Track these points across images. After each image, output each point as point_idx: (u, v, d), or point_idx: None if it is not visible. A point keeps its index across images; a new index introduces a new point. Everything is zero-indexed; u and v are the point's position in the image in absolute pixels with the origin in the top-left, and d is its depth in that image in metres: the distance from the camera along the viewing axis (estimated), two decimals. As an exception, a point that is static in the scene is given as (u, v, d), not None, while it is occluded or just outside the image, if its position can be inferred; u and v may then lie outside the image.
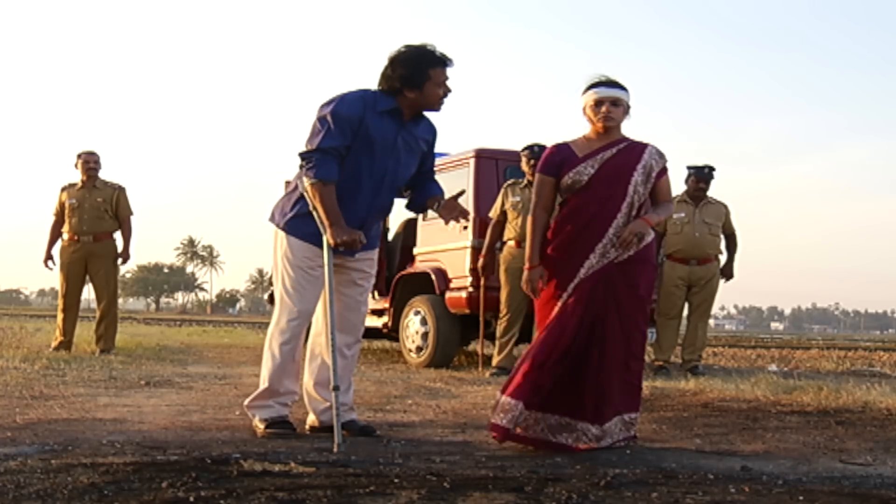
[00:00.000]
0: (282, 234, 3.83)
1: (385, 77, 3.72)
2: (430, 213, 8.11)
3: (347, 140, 3.65)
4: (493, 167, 7.86)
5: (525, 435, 3.59)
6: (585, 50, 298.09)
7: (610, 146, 3.73)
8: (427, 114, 3.86)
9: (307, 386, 3.94)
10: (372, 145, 3.69)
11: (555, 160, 3.76)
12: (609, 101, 3.68)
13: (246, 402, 3.92)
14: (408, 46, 3.73)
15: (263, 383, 3.84)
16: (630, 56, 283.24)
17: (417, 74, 3.67)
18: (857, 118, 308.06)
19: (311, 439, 3.70)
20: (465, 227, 7.71)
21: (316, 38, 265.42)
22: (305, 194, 3.72)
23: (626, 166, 3.70)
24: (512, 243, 7.12)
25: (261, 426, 3.78)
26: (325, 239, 3.68)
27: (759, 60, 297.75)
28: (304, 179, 3.69)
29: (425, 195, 3.97)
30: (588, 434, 3.59)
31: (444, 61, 3.72)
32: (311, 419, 3.97)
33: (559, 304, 3.66)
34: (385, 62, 3.73)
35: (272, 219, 3.91)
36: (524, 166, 7.09)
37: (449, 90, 3.75)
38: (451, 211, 3.87)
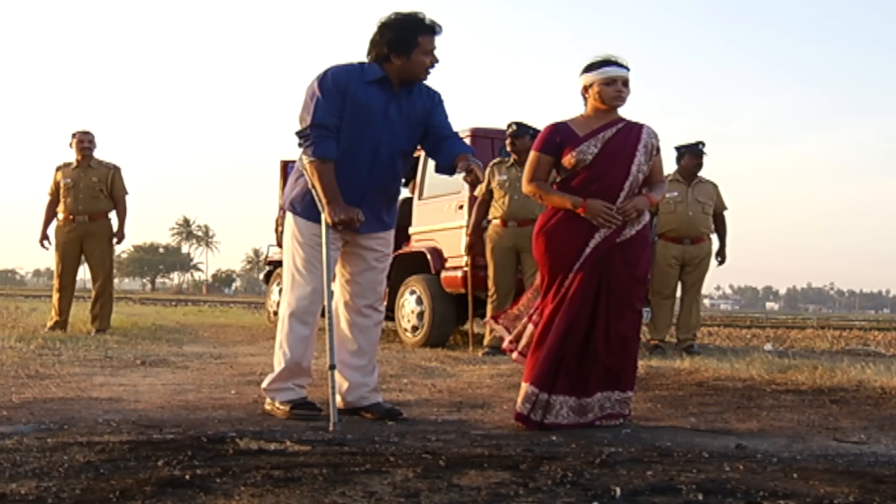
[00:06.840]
0: (289, 214, 3.82)
1: (373, 43, 3.66)
2: (426, 192, 8.26)
3: (338, 111, 3.61)
4: (488, 147, 7.84)
5: (556, 422, 3.58)
6: (578, 29, 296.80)
7: (609, 125, 3.73)
8: (426, 81, 3.76)
9: None
10: (360, 115, 3.64)
11: (554, 139, 3.75)
12: (621, 81, 3.69)
13: (263, 385, 3.85)
14: (397, 12, 3.66)
15: (279, 364, 3.77)
16: (619, 34, 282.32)
17: (406, 40, 3.60)
18: (849, 98, 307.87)
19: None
20: (461, 207, 7.70)
21: (312, 16, 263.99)
22: (305, 172, 3.70)
23: (627, 146, 3.72)
24: (497, 222, 7.11)
25: (283, 408, 3.72)
26: (323, 217, 3.67)
27: (750, 41, 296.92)
28: (303, 157, 3.68)
29: (452, 153, 3.70)
30: (566, 405, 3.60)
31: (433, 29, 3.65)
32: (336, 400, 3.88)
33: (564, 283, 3.66)
34: (374, 28, 3.67)
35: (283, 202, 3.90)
36: (508, 146, 7.10)
37: (436, 60, 3.68)
38: (471, 173, 3.58)
